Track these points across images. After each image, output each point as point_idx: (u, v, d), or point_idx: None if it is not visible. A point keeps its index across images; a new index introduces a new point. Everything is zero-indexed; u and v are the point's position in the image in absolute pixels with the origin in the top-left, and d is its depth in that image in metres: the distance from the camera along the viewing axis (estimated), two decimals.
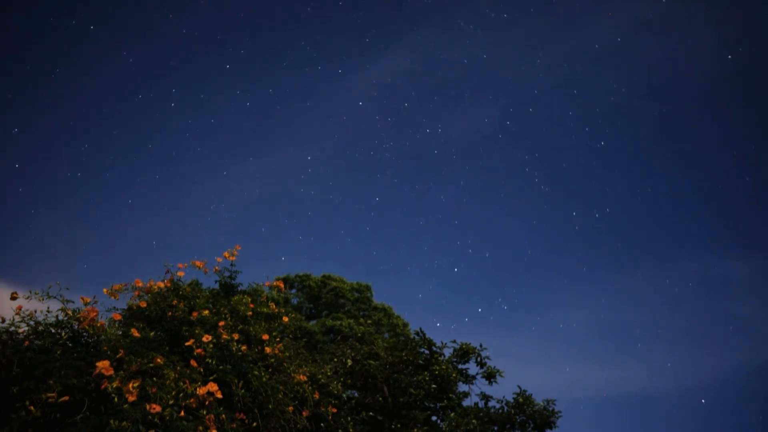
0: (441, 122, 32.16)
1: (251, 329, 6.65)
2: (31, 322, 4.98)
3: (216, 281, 8.23)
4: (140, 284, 6.59)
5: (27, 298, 5.07)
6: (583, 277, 31.52)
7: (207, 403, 4.97)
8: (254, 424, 5.60)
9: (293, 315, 9.63)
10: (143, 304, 6.19)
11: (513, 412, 8.76)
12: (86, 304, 5.37)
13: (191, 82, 31.11)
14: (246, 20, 30.82)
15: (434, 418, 9.00)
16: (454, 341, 9.57)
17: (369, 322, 14.70)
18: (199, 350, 5.69)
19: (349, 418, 7.90)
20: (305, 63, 31.65)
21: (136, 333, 5.38)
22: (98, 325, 5.23)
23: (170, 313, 6.22)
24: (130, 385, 4.53)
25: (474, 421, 8.20)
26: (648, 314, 30.76)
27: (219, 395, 5.06)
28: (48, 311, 5.11)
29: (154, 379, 4.82)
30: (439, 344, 9.50)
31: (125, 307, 6.33)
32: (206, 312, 6.35)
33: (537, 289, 32.08)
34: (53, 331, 5.01)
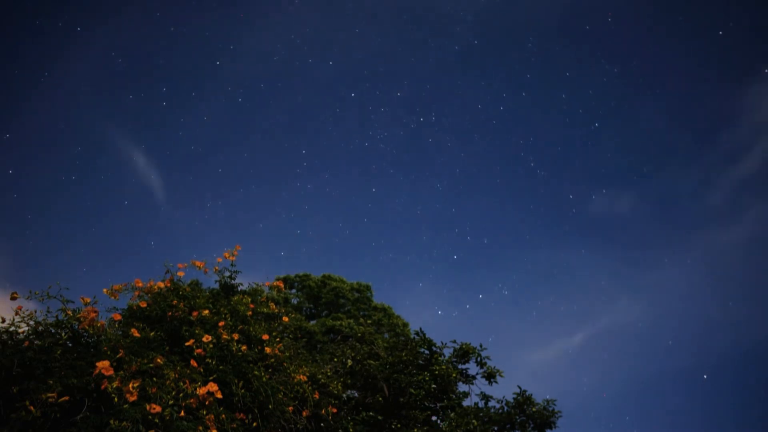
0: (434, 111, 32.17)
1: (251, 329, 6.65)
2: (31, 322, 4.98)
3: (216, 281, 8.23)
4: (140, 284, 6.60)
5: (27, 298, 5.07)
6: (583, 259, 31.62)
7: (207, 403, 4.97)
8: (254, 424, 5.60)
9: (293, 315, 9.64)
10: (143, 304, 6.19)
11: (513, 412, 8.76)
12: (86, 304, 5.37)
13: (181, 81, 31.08)
14: (234, 16, 30.80)
15: (434, 418, 9.00)
16: (454, 341, 9.57)
17: (369, 322, 14.69)
18: (199, 350, 5.69)
19: (349, 418, 7.90)
20: (295, 57, 31.64)
21: (136, 333, 5.38)
22: (98, 325, 5.23)
23: (170, 313, 6.22)
24: (130, 385, 4.53)
25: (474, 421, 8.20)
26: (648, 295, 30.85)
27: (219, 395, 5.06)
28: (48, 311, 5.11)
29: (154, 379, 4.82)
30: (439, 344, 9.50)
31: (125, 307, 6.33)
32: (206, 312, 6.35)
33: (537, 273, 32.17)
34: (53, 331, 5.00)
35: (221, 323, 6.22)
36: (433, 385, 8.80)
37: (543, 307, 30.09)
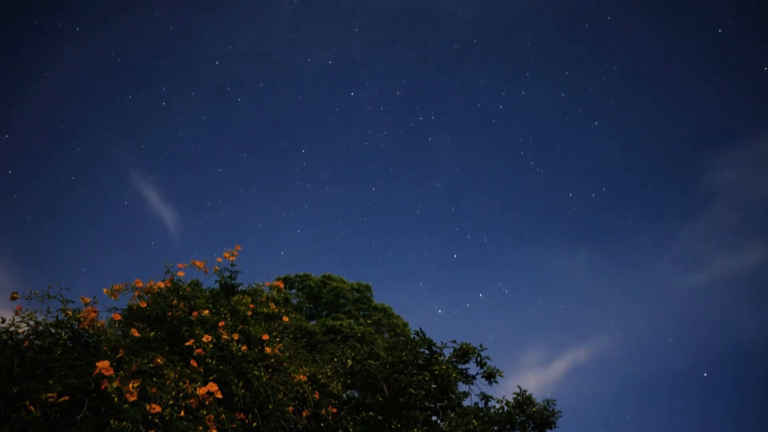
0: (434, 109, 32.19)
1: (251, 329, 6.65)
2: (31, 322, 4.98)
3: (216, 281, 8.22)
4: (140, 284, 6.60)
5: (27, 298, 5.07)
6: (582, 257, 31.67)
7: (207, 403, 4.96)
8: (254, 424, 5.60)
9: (293, 315, 9.64)
10: (143, 304, 6.19)
11: (513, 412, 8.75)
12: (86, 304, 5.37)
13: (181, 81, 31.08)
14: (233, 16, 30.79)
15: (434, 418, 8.99)
16: (454, 341, 9.57)
17: (369, 322, 14.69)
18: (199, 350, 5.69)
19: (349, 418, 7.90)
20: (294, 56, 31.67)
21: (136, 333, 5.38)
22: (98, 325, 5.23)
23: (170, 313, 6.22)
24: (130, 385, 4.53)
25: (474, 421, 8.20)
26: (647, 291, 30.91)
27: (219, 395, 5.06)
28: (48, 311, 5.11)
29: (154, 379, 4.82)
30: (439, 344, 9.50)
31: (125, 307, 6.33)
32: (206, 312, 6.35)
33: (537, 272, 32.22)
34: (53, 331, 5.00)
35: (221, 323, 6.22)
36: (433, 385, 8.80)
37: (543, 306, 30.15)
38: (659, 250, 31.62)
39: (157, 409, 4.47)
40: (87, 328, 5.14)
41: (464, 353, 9.43)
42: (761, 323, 26.75)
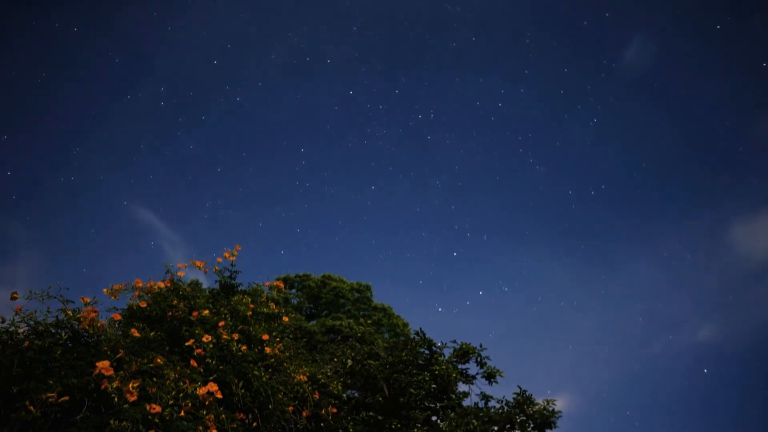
0: (433, 108, 32.18)
1: (251, 329, 6.65)
2: (31, 322, 4.98)
3: (216, 281, 8.22)
4: (140, 284, 6.60)
5: (27, 298, 5.07)
6: (582, 255, 31.70)
7: (207, 403, 4.96)
8: (254, 424, 5.60)
9: (293, 315, 9.64)
10: (143, 304, 6.19)
11: (513, 411, 8.75)
12: (86, 304, 5.37)
13: (179, 80, 31.05)
14: (231, 14, 30.77)
15: (434, 418, 9.00)
16: (454, 341, 9.58)
17: (369, 322, 14.70)
18: (199, 350, 5.70)
19: (349, 418, 7.90)
20: (293, 55, 31.69)
21: (136, 333, 5.38)
22: (98, 325, 5.23)
23: (170, 313, 6.22)
24: (130, 385, 4.53)
25: (474, 421, 8.20)
26: (647, 289, 30.95)
27: (219, 395, 5.06)
28: (48, 311, 5.11)
29: (154, 379, 4.82)
30: (439, 344, 9.51)
31: (125, 307, 6.33)
32: (206, 312, 6.36)
33: (537, 270, 32.25)
34: (53, 331, 5.00)
35: (221, 323, 6.22)
36: (433, 385, 8.81)
37: (543, 304, 30.17)
38: (657, 248, 31.63)
39: (157, 409, 4.47)
40: (87, 328, 5.14)
41: (464, 353, 9.43)
42: (763, 320, 26.78)
